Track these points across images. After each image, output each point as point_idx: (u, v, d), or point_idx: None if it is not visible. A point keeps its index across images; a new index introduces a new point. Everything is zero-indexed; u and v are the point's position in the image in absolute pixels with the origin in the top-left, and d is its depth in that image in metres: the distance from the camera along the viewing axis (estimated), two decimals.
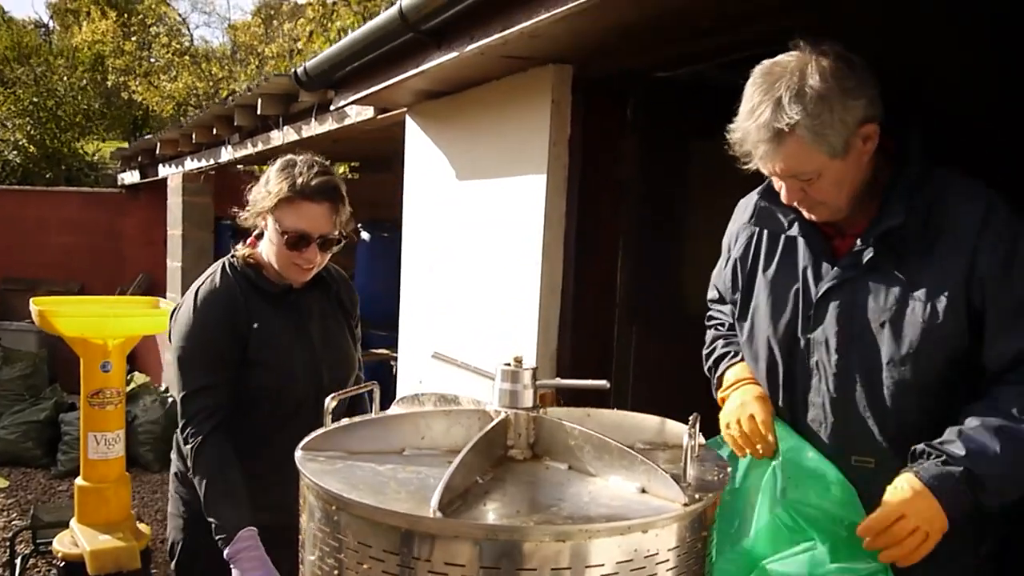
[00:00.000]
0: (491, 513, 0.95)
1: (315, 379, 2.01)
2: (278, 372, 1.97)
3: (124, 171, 9.18)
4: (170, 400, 6.65)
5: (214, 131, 5.80)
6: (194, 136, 6.14)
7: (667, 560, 0.95)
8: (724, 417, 1.61)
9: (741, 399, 1.59)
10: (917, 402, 1.44)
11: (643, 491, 1.01)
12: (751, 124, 1.41)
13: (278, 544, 1.95)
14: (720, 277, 1.77)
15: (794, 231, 1.57)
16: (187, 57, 19.32)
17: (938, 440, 1.38)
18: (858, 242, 1.48)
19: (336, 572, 0.97)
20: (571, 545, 0.90)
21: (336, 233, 1.97)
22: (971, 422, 1.36)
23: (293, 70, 3.52)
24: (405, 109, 3.54)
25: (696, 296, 2.83)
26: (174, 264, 6.94)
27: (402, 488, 1.00)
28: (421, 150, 3.42)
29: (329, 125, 4.35)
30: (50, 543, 4.42)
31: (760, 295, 1.62)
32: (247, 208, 2.02)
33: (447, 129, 3.26)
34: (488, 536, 0.89)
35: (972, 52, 2.35)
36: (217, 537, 1.88)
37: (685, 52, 2.29)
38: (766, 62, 1.43)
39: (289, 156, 2.00)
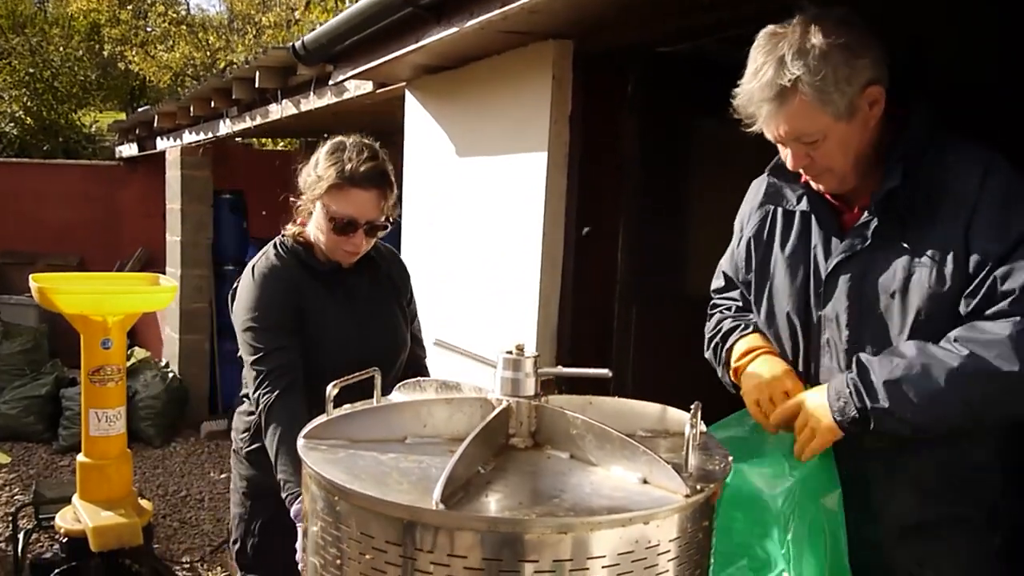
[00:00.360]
0: (493, 504, 0.95)
1: (362, 356, 1.94)
2: (326, 349, 1.98)
3: (122, 144, 9.12)
4: (171, 375, 6.67)
5: (212, 104, 5.75)
6: (192, 109, 6.09)
7: (668, 551, 0.96)
8: (753, 392, 1.56)
9: (770, 372, 1.55)
10: None
11: (645, 481, 1.01)
12: (754, 84, 1.40)
13: None
14: (731, 261, 1.75)
15: (803, 206, 1.56)
16: (184, 26, 19.12)
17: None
18: (865, 213, 1.47)
19: (338, 561, 0.97)
20: (573, 537, 0.90)
21: (383, 219, 1.98)
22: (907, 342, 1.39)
23: (291, 44, 3.48)
24: (405, 83, 3.50)
25: (697, 277, 2.83)
26: (173, 238, 6.91)
27: (404, 478, 1.00)
28: (421, 125, 3.39)
29: (328, 99, 4.31)
30: (52, 518, 4.45)
31: (778, 273, 1.61)
32: (301, 195, 2.04)
33: (447, 104, 3.23)
34: (490, 528, 0.89)
35: (974, 23, 2.32)
36: (285, 495, 1.85)
37: (685, 26, 2.26)
38: (770, 26, 1.43)
39: (339, 139, 2.00)
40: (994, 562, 1.52)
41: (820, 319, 1.53)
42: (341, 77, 3.37)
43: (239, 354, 2.05)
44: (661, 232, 2.75)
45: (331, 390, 1.17)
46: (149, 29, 19.58)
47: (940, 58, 3.10)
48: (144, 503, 3.98)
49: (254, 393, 1.95)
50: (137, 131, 8.11)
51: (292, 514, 1.86)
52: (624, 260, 2.71)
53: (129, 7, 19.40)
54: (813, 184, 1.53)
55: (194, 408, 6.85)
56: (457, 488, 0.95)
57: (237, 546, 2.16)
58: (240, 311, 1.98)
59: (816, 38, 1.36)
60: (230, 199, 7.03)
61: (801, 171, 1.51)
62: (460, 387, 1.28)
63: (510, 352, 1.15)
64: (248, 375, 1.98)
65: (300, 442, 1.10)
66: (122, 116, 19.75)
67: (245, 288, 2.01)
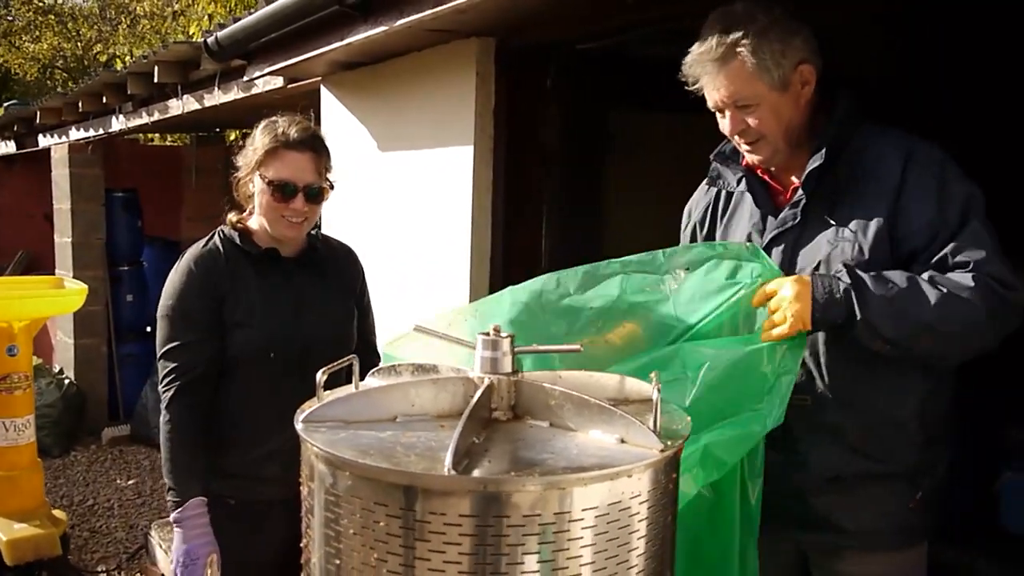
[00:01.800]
0: (496, 468, 1.06)
1: (297, 341, 2.01)
2: (256, 330, 1.99)
3: None
4: (66, 382, 6.41)
5: (104, 99, 5.54)
6: (81, 104, 5.86)
7: (648, 500, 1.08)
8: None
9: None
10: (847, 345, 1.54)
11: (622, 441, 1.13)
12: (701, 49, 1.58)
13: (241, 519, 2.02)
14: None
15: (742, 187, 1.72)
16: (52, 16, 18.08)
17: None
18: (797, 193, 1.62)
19: (351, 531, 1.06)
20: (570, 492, 1.01)
21: (321, 184, 2.01)
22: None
23: (203, 40, 3.43)
24: (319, 79, 3.52)
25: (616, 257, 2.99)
26: (63, 239, 6.63)
27: (410, 452, 1.08)
28: (338, 120, 3.42)
29: (235, 94, 4.26)
30: None
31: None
32: (239, 170, 2.06)
33: (366, 99, 3.27)
34: (500, 488, 1.00)
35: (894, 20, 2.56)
36: (168, 499, 1.96)
37: (600, 27, 2.41)
38: (721, 8, 1.61)
39: (272, 117, 2.04)
40: (912, 514, 1.66)
41: None
42: (257, 74, 3.36)
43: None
44: (582, 217, 2.89)
45: (321, 376, 1.24)
46: (12, 19, 18.42)
47: (862, 54, 3.37)
48: (57, 513, 3.89)
49: (160, 385, 2.02)
50: (15, 127, 7.70)
51: (172, 518, 1.96)
52: (548, 249, 2.84)
53: None
54: (749, 157, 1.67)
55: (93, 414, 6.60)
56: (462, 457, 1.05)
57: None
58: (162, 297, 2.02)
59: (759, 14, 1.56)
60: (123, 197, 6.80)
61: (738, 139, 1.65)
62: (437, 369, 1.37)
63: (488, 334, 1.25)
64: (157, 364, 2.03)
65: (300, 425, 1.17)
66: None
67: (171, 275, 2.03)
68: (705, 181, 1.80)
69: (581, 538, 1.03)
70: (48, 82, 18.65)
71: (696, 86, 1.62)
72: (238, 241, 2.05)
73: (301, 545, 1.21)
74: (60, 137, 6.73)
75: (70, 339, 6.60)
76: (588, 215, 2.90)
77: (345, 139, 3.38)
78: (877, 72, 3.53)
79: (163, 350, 1.99)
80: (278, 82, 3.82)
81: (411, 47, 2.83)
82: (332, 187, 2.07)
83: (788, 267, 1.62)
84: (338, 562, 1.09)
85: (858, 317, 1.46)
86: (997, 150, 3.41)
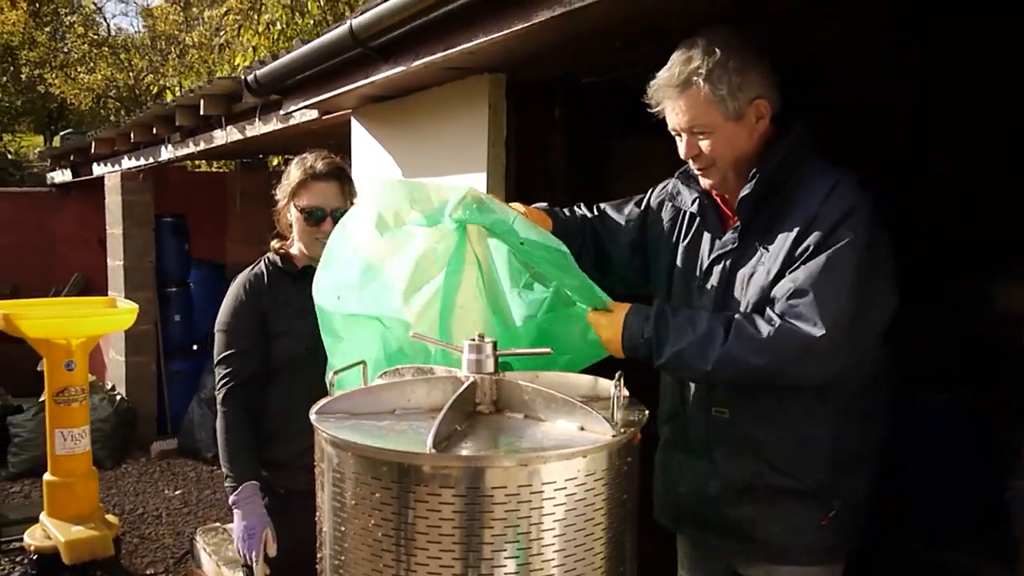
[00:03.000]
0: (471, 449, 1.27)
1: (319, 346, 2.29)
2: (291, 338, 2.30)
3: (54, 170, 9.10)
4: (118, 398, 6.76)
5: (153, 130, 5.91)
6: (132, 135, 6.23)
7: (602, 478, 1.28)
8: None
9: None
10: None
11: (582, 428, 1.34)
12: (664, 74, 1.70)
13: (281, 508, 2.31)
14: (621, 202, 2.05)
15: (694, 208, 1.84)
16: (105, 48, 18.90)
17: (669, 309, 1.70)
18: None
19: (353, 502, 1.28)
20: (533, 468, 1.22)
21: (347, 208, 2.28)
22: (694, 313, 1.68)
23: (243, 77, 3.72)
24: (350, 111, 3.79)
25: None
26: (115, 263, 7.01)
27: (402, 436, 1.30)
28: (367, 149, 3.68)
29: (273, 125, 4.56)
30: (10, 541, 4.56)
31: (676, 265, 1.88)
32: (278, 202, 2.40)
33: (392, 130, 3.52)
34: (471, 464, 1.21)
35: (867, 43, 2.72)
36: (226, 484, 2.29)
37: (603, 63, 2.62)
38: (688, 38, 1.72)
39: (303, 154, 2.38)
40: (824, 532, 1.72)
41: (698, 309, 1.75)
42: (292, 108, 3.64)
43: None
44: None
45: (331, 376, 1.47)
46: (68, 51, 19.28)
47: (836, 75, 3.54)
48: (110, 518, 4.15)
49: (216, 388, 2.35)
50: (72, 157, 8.15)
51: (231, 501, 2.26)
52: None
53: (47, 28, 19.07)
54: (702, 181, 1.78)
55: (143, 429, 6.95)
56: (443, 439, 1.26)
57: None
58: (219, 315, 2.38)
59: (719, 49, 1.65)
60: (172, 222, 7.17)
61: (691, 163, 1.76)
62: (434, 370, 1.59)
63: (473, 339, 1.47)
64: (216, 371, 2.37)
65: (313, 416, 1.39)
66: (39, 139, 19.33)
67: (226, 296, 2.39)
68: (668, 194, 1.92)
69: (542, 507, 1.24)
70: (102, 111, 19.46)
71: (658, 109, 1.73)
72: (280, 264, 2.40)
73: (315, 518, 1.44)
74: (113, 166, 7.13)
75: (121, 357, 6.96)
76: None
77: (374, 165, 3.63)
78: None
79: (219, 358, 2.34)
80: (313, 114, 4.10)
81: (430, 83, 3.07)
82: None
83: (727, 285, 1.75)
84: (343, 528, 1.31)
85: (655, 363, 1.65)
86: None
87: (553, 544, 1.24)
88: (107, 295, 6.84)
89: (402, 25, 2.49)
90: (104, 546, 3.87)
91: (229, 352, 2.33)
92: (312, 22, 9.24)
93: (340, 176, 2.36)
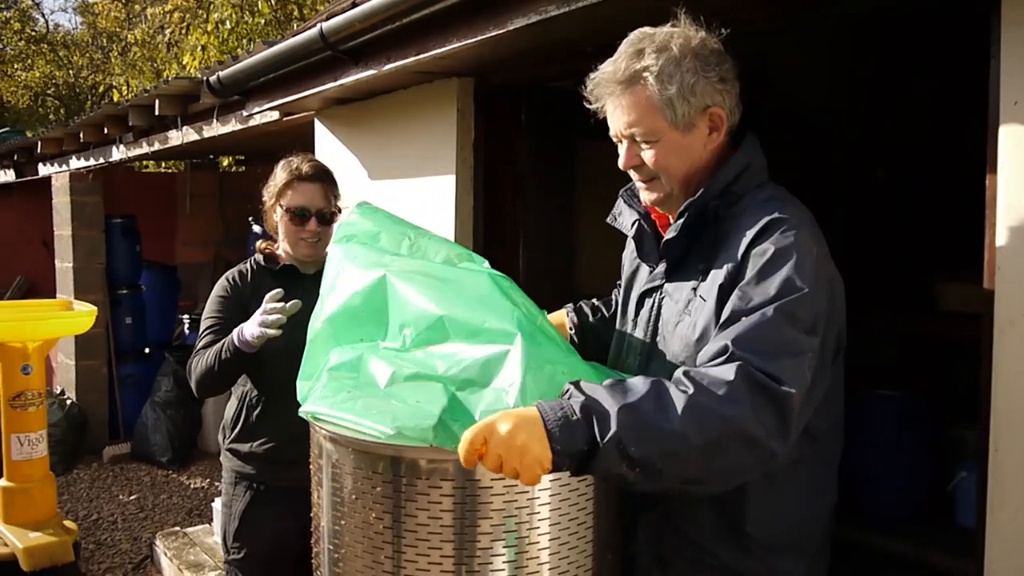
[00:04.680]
0: None
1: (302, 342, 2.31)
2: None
3: None
4: (68, 402, 6.62)
5: (104, 130, 5.80)
6: (82, 135, 6.11)
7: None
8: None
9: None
10: None
11: None
12: (610, 68, 1.44)
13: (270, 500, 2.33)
14: None
15: (632, 232, 1.61)
16: (44, 44, 18.38)
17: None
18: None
19: (353, 496, 1.32)
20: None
21: (331, 209, 2.40)
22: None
23: (204, 78, 3.71)
24: (313, 112, 3.80)
25: (585, 274, 3.27)
26: (64, 264, 6.86)
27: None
28: (332, 151, 3.69)
29: (232, 126, 4.53)
30: None
31: (624, 295, 1.69)
32: (264, 203, 2.45)
33: (357, 133, 3.55)
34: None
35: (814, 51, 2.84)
36: (236, 344, 2.20)
37: (568, 67, 2.69)
38: (645, 27, 1.47)
39: (288, 157, 2.45)
40: None
41: (631, 340, 1.58)
42: (256, 109, 3.63)
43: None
44: (556, 238, 3.17)
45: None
46: (4, 47, 18.71)
47: (778, 82, 3.69)
48: (68, 523, 4.09)
49: (192, 356, 2.37)
50: (15, 156, 7.94)
51: (237, 340, 2.18)
52: (524, 266, 3.11)
53: None
54: (643, 196, 1.53)
55: (94, 434, 6.81)
56: None
57: (223, 533, 2.44)
58: (206, 307, 2.46)
59: (676, 43, 1.41)
60: (122, 223, 7.02)
61: (633, 174, 1.51)
62: None
63: None
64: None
65: (304, 413, 1.43)
66: None
67: (212, 291, 2.46)
68: (612, 218, 1.68)
69: (539, 498, 1.30)
70: (40, 109, 18.94)
71: (598, 106, 1.48)
72: (263, 262, 2.46)
73: (311, 514, 1.47)
74: (60, 166, 6.97)
75: (72, 361, 6.82)
76: (561, 237, 3.18)
77: (337, 168, 3.64)
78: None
79: (200, 332, 2.37)
80: (274, 115, 4.09)
81: (398, 86, 3.11)
82: (340, 211, 2.43)
83: (654, 323, 1.53)
84: (343, 522, 1.35)
85: (602, 438, 1.17)
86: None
87: (548, 533, 1.31)
88: (55, 298, 6.69)
89: (373, 29, 2.53)
90: (64, 552, 3.81)
91: (207, 330, 2.35)
92: (263, 21, 9.16)
93: (324, 178, 2.43)
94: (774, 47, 3.39)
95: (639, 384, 1.24)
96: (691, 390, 1.22)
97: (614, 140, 1.51)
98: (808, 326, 1.30)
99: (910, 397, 3.34)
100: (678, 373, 1.26)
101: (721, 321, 1.33)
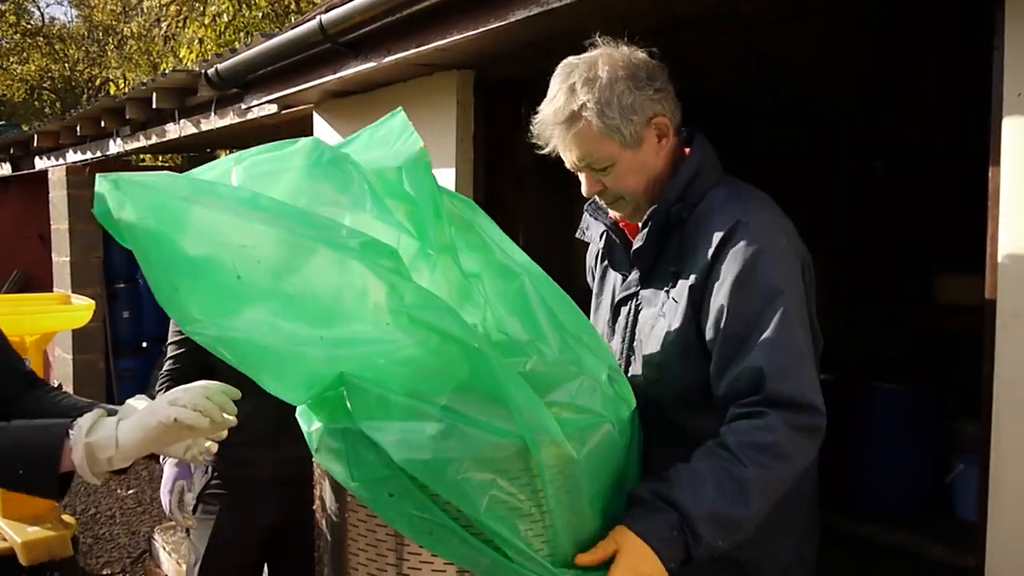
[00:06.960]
0: None
1: None
2: None
3: None
4: None
5: (101, 123, 5.78)
6: (79, 128, 6.09)
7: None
8: None
9: None
10: (672, 421, 1.48)
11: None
12: (548, 110, 1.48)
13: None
14: None
15: (602, 244, 1.65)
16: (40, 37, 18.30)
17: (654, 485, 1.34)
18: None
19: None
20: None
21: None
22: (692, 463, 1.34)
23: (203, 71, 3.69)
24: (311, 105, 3.78)
25: (583, 270, 3.25)
26: (61, 259, 6.84)
27: None
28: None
29: (230, 119, 4.51)
30: None
31: (595, 303, 1.74)
32: None
33: (356, 126, 3.49)
34: None
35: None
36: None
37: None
38: (569, 57, 1.51)
39: None
40: None
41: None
42: (255, 102, 3.62)
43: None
44: (556, 231, 3.16)
45: None
46: None
47: (781, 74, 3.68)
48: (66, 517, 4.08)
49: (162, 372, 2.32)
50: (11, 150, 7.91)
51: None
52: None
53: None
54: (612, 214, 1.58)
55: None
56: None
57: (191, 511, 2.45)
58: None
59: (603, 69, 1.44)
60: None
61: (599, 199, 1.57)
62: None
63: None
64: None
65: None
66: None
67: None
68: (579, 232, 1.73)
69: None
70: (36, 103, 18.87)
71: (548, 148, 1.52)
72: None
73: (312, 510, 1.47)
74: (57, 160, 6.95)
75: (68, 355, 6.81)
76: (561, 229, 3.17)
77: None
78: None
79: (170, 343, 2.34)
80: (272, 108, 4.08)
81: (397, 79, 3.10)
82: None
83: (631, 330, 1.58)
84: (346, 515, 1.35)
85: (694, 550, 1.28)
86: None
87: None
88: (51, 291, 6.67)
89: (374, 21, 2.52)
90: (62, 546, 3.80)
91: (175, 353, 2.30)
92: (260, 15, 9.14)
93: None
94: (778, 37, 3.39)
95: (707, 470, 1.31)
96: (748, 469, 1.30)
97: (571, 170, 1.55)
98: (802, 319, 1.40)
99: (914, 390, 3.35)
100: (719, 445, 1.34)
101: (721, 340, 1.39)
